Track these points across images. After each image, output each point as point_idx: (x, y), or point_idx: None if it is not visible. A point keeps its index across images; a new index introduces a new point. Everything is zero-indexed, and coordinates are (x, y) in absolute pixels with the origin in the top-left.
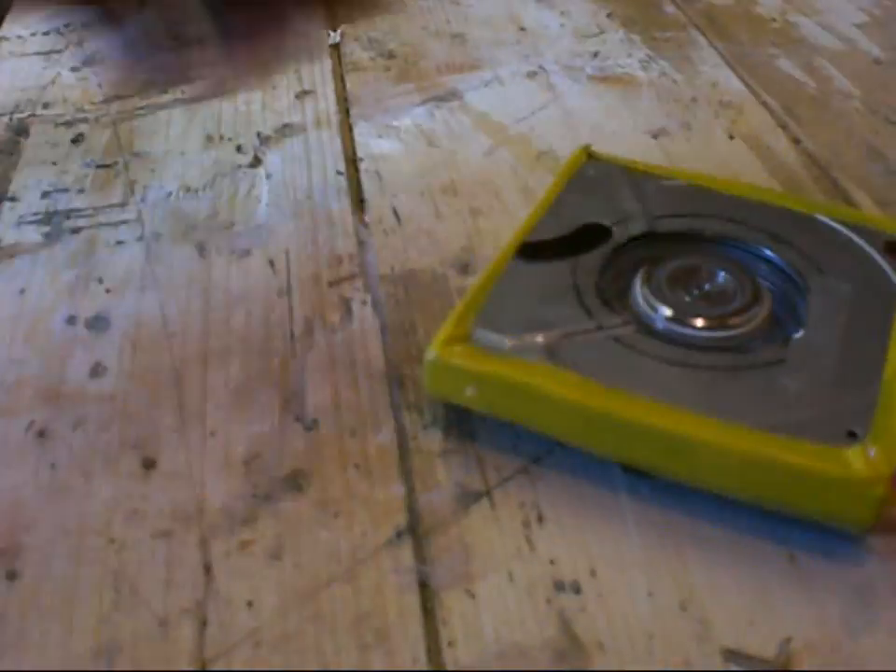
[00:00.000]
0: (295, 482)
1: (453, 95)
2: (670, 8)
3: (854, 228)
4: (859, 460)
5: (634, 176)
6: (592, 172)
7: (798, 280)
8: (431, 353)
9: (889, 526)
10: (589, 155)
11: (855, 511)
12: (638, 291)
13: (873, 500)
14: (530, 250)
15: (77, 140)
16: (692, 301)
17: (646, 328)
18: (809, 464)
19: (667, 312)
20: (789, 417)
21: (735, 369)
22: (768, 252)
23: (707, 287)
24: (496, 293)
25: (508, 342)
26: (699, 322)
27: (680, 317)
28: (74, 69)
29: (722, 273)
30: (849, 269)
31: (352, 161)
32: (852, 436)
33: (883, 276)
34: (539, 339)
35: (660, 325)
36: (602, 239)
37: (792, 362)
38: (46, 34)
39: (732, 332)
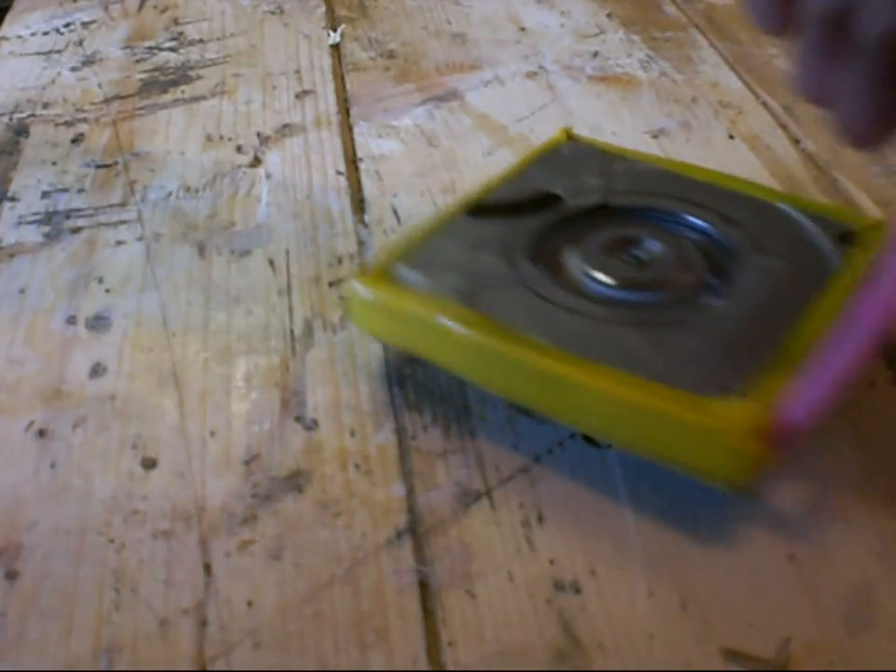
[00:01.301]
0: (295, 482)
1: (453, 95)
2: (670, 8)
3: (813, 217)
4: (726, 411)
5: (607, 158)
6: (567, 151)
7: (738, 257)
8: (351, 283)
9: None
10: (569, 137)
11: (723, 466)
12: (570, 251)
13: (739, 454)
14: (479, 209)
15: (77, 140)
16: (620, 265)
17: (569, 284)
18: (675, 410)
19: (590, 270)
20: (672, 370)
21: (637, 324)
22: (713, 230)
23: (640, 254)
24: (431, 240)
25: (424, 280)
26: (618, 282)
27: (601, 276)
28: (74, 69)
29: (658, 244)
30: (792, 252)
31: (352, 161)
32: (729, 390)
33: (825, 262)
34: (454, 280)
35: (582, 282)
36: (553, 207)
37: (695, 324)
38: (46, 34)
39: (649, 294)
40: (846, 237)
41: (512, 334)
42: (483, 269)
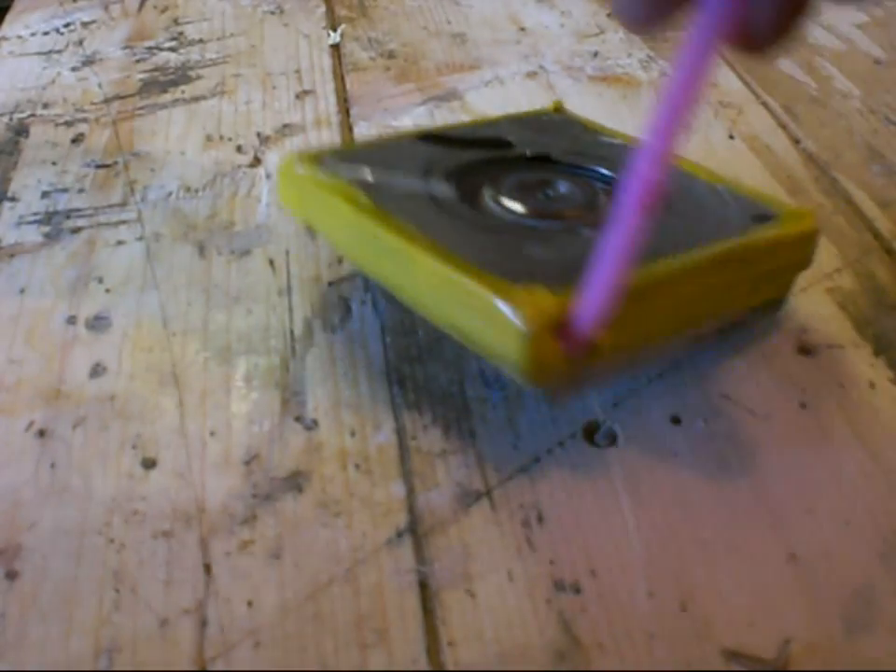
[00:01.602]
0: (295, 482)
1: (453, 95)
2: None
3: (741, 198)
4: (523, 297)
5: (582, 129)
6: (547, 118)
7: None
8: (284, 157)
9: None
10: (557, 110)
11: (513, 351)
12: (489, 183)
13: (526, 340)
14: (429, 136)
15: (77, 140)
16: (527, 198)
17: (469, 202)
18: (478, 288)
19: (495, 194)
20: (501, 263)
21: (504, 233)
22: None
23: (550, 193)
24: (370, 149)
25: (340, 169)
26: (516, 208)
27: (502, 200)
28: (74, 69)
29: (571, 187)
30: (697, 216)
31: None
32: (537, 283)
33: (723, 230)
34: (365, 174)
35: (482, 203)
36: (499, 150)
37: (555, 242)
38: (46, 34)
39: (538, 221)
40: (762, 218)
41: (388, 219)
42: (397, 174)
